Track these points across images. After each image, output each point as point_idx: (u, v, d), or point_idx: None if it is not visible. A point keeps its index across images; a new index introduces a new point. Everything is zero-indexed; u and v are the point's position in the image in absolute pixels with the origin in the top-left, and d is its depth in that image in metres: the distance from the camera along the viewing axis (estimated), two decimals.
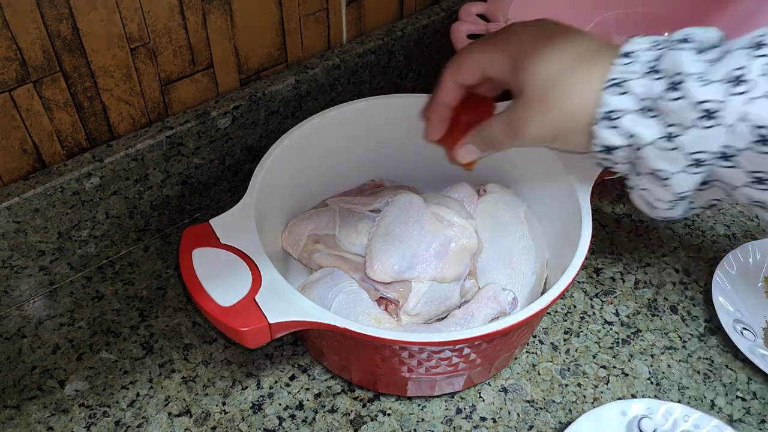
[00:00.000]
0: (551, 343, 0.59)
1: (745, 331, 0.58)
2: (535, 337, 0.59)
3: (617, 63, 0.43)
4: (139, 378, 0.56)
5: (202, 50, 0.60)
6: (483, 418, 0.54)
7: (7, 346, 0.58)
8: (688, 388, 0.56)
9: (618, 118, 0.43)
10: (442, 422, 0.54)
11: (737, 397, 0.56)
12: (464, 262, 0.54)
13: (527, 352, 0.58)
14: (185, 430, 0.53)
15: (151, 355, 0.57)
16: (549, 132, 0.46)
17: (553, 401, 0.55)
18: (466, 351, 0.48)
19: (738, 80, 0.39)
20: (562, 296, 0.48)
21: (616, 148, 0.44)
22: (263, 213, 0.53)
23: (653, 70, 0.42)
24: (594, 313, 0.61)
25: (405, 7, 0.73)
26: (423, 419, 0.54)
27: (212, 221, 0.50)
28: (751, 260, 0.63)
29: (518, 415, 0.54)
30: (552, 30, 0.48)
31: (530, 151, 0.58)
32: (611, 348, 0.59)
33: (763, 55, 0.39)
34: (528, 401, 0.55)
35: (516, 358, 0.58)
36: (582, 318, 0.61)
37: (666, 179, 0.43)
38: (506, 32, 0.49)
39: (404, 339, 0.46)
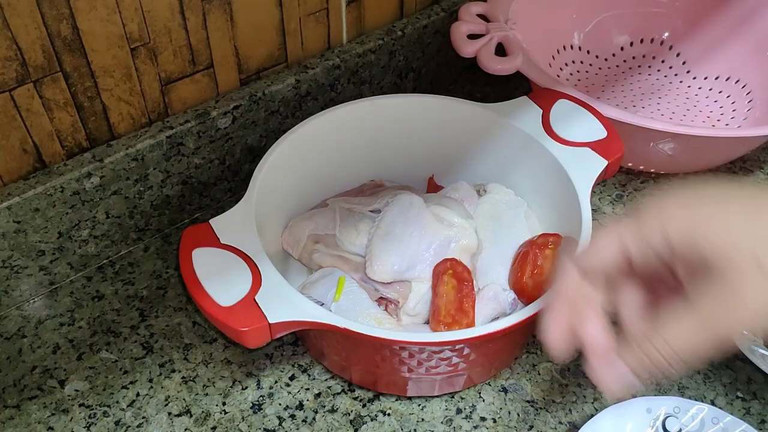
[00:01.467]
0: None
1: (745, 331, 0.58)
2: (535, 337, 0.59)
3: None
4: (139, 378, 0.56)
5: (202, 50, 0.60)
6: (483, 418, 0.54)
7: (7, 346, 0.58)
8: (688, 388, 0.56)
9: None
10: (442, 422, 0.54)
11: (737, 397, 0.56)
12: (464, 262, 0.54)
13: (527, 352, 0.58)
14: (185, 430, 0.53)
15: (151, 355, 0.57)
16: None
17: (553, 401, 0.55)
18: (466, 351, 0.48)
19: None
20: None
21: None
22: (263, 213, 0.53)
23: None
24: None
25: (405, 7, 0.73)
26: (423, 419, 0.54)
27: (212, 221, 0.50)
28: None
29: (518, 415, 0.54)
30: (722, 188, 0.37)
31: (530, 152, 0.58)
32: None
33: None
34: (528, 401, 0.55)
35: (516, 358, 0.58)
36: None
37: None
38: (656, 201, 0.36)
39: (404, 339, 0.46)
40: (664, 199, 0.36)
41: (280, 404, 0.55)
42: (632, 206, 0.36)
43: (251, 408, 0.54)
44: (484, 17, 0.71)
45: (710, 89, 0.80)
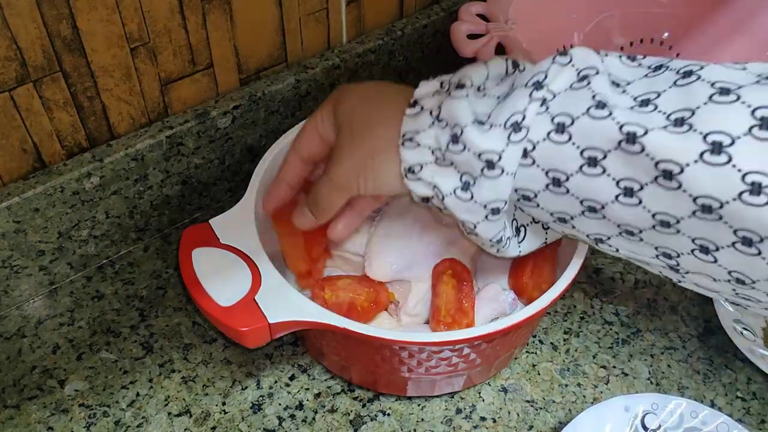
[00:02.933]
0: (551, 343, 0.59)
1: (745, 331, 0.58)
2: (535, 337, 0.59)
3: (408, 113, 0.42)
4: (139, 378, 0.56)
5: (202, 50, 0.60)
6: (483, 418, 0.54)
7: (7, 346, 0.58)
8: (687, 388, 0.56)
9: (419, 171, 0.42)
10: (441, 422, 0.54)
11: (737, 397, 0.56)
12: (463, 262, 0.54)
13: (527, 352, 0.58)
14: (185, 430, 0.53)
15: (151, 355, 0.57)
16: (359, 171, 0.44)
17: (553, 401, 0.55)
18: (466, 351, 0.48)
19: (517, 126, 0.38)
20: (562, 296, 0.48)
21: (427, 198, 0.43)
22: (263, 213, 0.53)
23: (438, 119, 0.41)
24: (594, 313, 0.61)
25: (405, 6, 0.73)
26: (423, 419, 0.54)
27: (212, 221, 0.50)
28: None
29: (518, 415, 0.54)
30: (369, 84, 0.48)
31: None
32: (611, 348, 0.59)
33: (540, 99, 0.38)
34: (528, 401, 0.55)
35: (516, 358, 0.58)
36: (582, 318, 0.61)
37: (473, 228, 0.42)
38: (336, 91, 0.48)
39: (404, 339, 0.46)
40: (342, 89, 0.47)
41: (279, 404, 0.55)
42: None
43: (251, 408, 0.54)
44: (484, 17, 0.71)
45: None
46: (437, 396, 0.55)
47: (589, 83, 0.37)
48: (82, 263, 0.62)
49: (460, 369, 0.51)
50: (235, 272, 0.47)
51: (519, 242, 0.46)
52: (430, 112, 0.41)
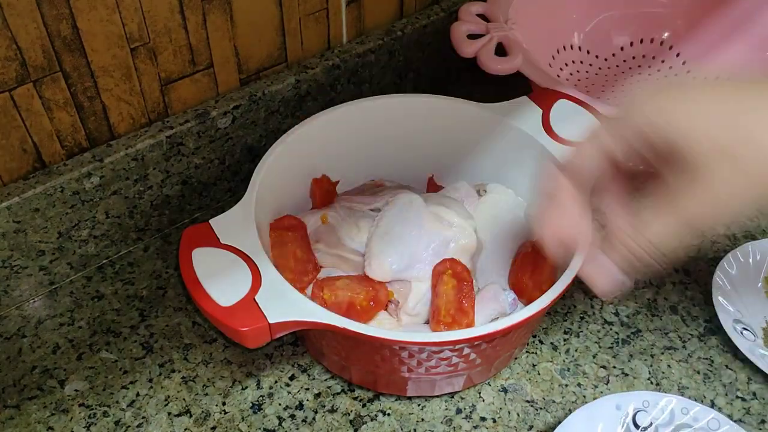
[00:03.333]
0: (551, 343, 0.59)
1: (745, 331, 0.58)
2: (535, 337, 0.59)
3: None
4: (139, 378, 0.56)
5: (202, 50, 0.60)
6: (483, 418, 0.54)
7: (7, 346, 0.58)
8: (688, 388, 0.56)
9: None
10: (442, 422, 0.54)
11: (737, 397, 0.56)
12: (463, 262, 0.54)
13: (527, 352, 0.58)
14: (185, 430, 0.53)
15: (151, 355, 0.57)
16: (756, 188, 0.33)
17: (553, 401, 0.55)
18: (466, 351, 0.48)
19: None
20: (562, 296, 0.48)
21: None
22: (263, 213, 0.53)
23: None
24: (594, 313, 0.61)
25: (405, 7, 0.73)
26: (423, 419, 0.54)
27: (212, 221, 0.50)
28: (751, 260, 0.63)
29: (518, 415, 0.54)
30: (689, 82, 0.37)
31: (530, 152, 0.58)
32: (611, 348, 0.59)
33: None
34: (528, 401, 0.55)
35: (516, 358, 0.58)
36: (582, 318, 0.61)
37: None
38: (623, 106, 0.37)
39: (404, 339, 0.46)
40: (637, 96, 0.36)
41: (280, 404, 0.55)
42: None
43: (251, 408, 0.54)
44: (484, 17, 0.71)
45: None
46: (437, 396, 0.55)
47: None
48: (82, 263, 0.62)
49: (460, 369, 0.51)
50: (235, 272, 0.47)
51: None
52: None
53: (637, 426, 0.51)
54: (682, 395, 0.56)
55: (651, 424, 0.51)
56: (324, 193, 0.60)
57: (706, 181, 0.33)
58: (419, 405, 0.55)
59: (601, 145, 0.37)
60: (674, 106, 0.34)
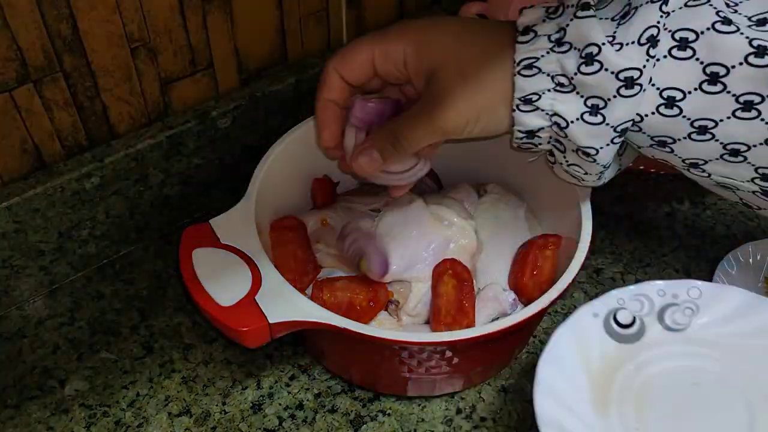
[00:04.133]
0: None
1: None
2: (535, 337, 0.59)
3: (521, 40, 0.41)
4: (139, 378, 0.56)
5: (202, 50, 0.60)
6: (483, 418, 0.54)
7: (7, 346, 0.58)
8: None
9: (537, 100, 0.41)
10: (442, 422, 0.54)
11: None
12: (463, 262, 0.54)
13: (527, 352, 0.58)
14: (185, 429, 0.53)
15: (151, 355, 0.57)
16: (472, 114, 0.42)
17: None
18: (467, 351, 0.48)
19: (654, 40, 0.37)
20: (562, 296, 0.48)
21: (539, 129, 0.42)
22: (263, 213, 0.53)
23: (559, 43, 0.40)
24: None
25: (405, 7, 0.73)
26: (423, 419, 0.54)
27: (212, 221, 0.50)
28: (751, 260, 0.63)
29: (518, 415, 0.54)
30: (447, 18, 0.46)
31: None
32: None
33: (668, 12, 0.38)
34: (528, 401, 0.55)
35: (516, 358, 0.58)
36: None
37: (595, 154, 0.42)
38: (400, 25, 0.45)
39: (404, 339, 0.46)
40: (406, 23, 0.45)
41: (280, 404, 0.55)
42: (381, 28, 0.46)
43: (251, 408, 0.54)
44: (484, 17, 0.71)
45: None
46: (437, 396, 0.55)
47: (708, 0, 0.37)
48: (82, 263, 0.62)
49: (460, 369, 0.51)
50: (235, 272, 0.47)
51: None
52: (549, 37, 0.40)
53: (622, 325, 0.49)
54: None
55: (635, 318, 0.49)
56: (325, 193, 0.60)
57: (447, 90, 0.42)
58: (419, 405, 0.55)
59: (370, 54, 0.45)
60: (431, 43, 0.43)
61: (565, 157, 0.44)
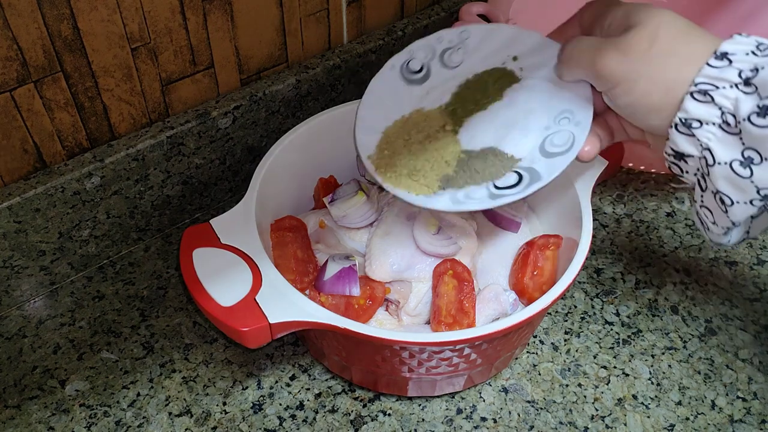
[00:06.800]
0: (552, 343, 0.59)
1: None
2: (535, 337, 0.59)
3: (712, 63, 0.38)
4: (139, 378, 0.56)
5: (202, 50, 0.60)
6: (483, 419, 0.54)
7: (7, 346, 0.58)
8: (688, 388, 0.56)
9: (698, 128, 0.39)
10: (442, 422, 0.54)
11: (738, 397, 0.56)
12: (464, 263, 0.54)
13: (528, 352, 0.58)
14: (186, 430, 0.53)
15: (151, 355, 0.57)
16: (632, 76, 0.41)
17: (554, 401, 0.55)
18: (467, 351, 0.48)
19: None
20: (562, 296, 0.48)
21: (689, 156, 0.40)
22: (263, 213, 0.53)
23: (747, 83, 0.37)
24: (594, 314, 0.61)
25: (405, 7, 0.73)
26: (423, 419, 0.54)
27: (213, 221, 0.50)
28: None
29: (519, 415, 0.54)
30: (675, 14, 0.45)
31: None
32: (612, 348, 0.59)
33: None
34: (528, 401, 0.55)
35: (516, 358, 0.58)
36: (582, 318, 0.61)
37: (730, 205, 0.39)
38: None
39: (405, 339, 0.46)
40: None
41: (280, 404, 0.55)
42: None
43: (252, 408, 0.54)
44: (484, 17, 0.71)
45: None
46: (438, 396, 0.55)
47: None
48: (82, 263, 0.62)
49: (460, 369, 0.51)
50: (235, 272, 0.47)
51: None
52: (740, 73, 0.38)
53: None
54: (683, 395, 0.56)
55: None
56: (329, 193, 0.60)
57: (631, 41, 0.41)
58: (420, 405, 0.55)
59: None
60: (666, 21, 0.41)
61: (702, 197, 0.42)
